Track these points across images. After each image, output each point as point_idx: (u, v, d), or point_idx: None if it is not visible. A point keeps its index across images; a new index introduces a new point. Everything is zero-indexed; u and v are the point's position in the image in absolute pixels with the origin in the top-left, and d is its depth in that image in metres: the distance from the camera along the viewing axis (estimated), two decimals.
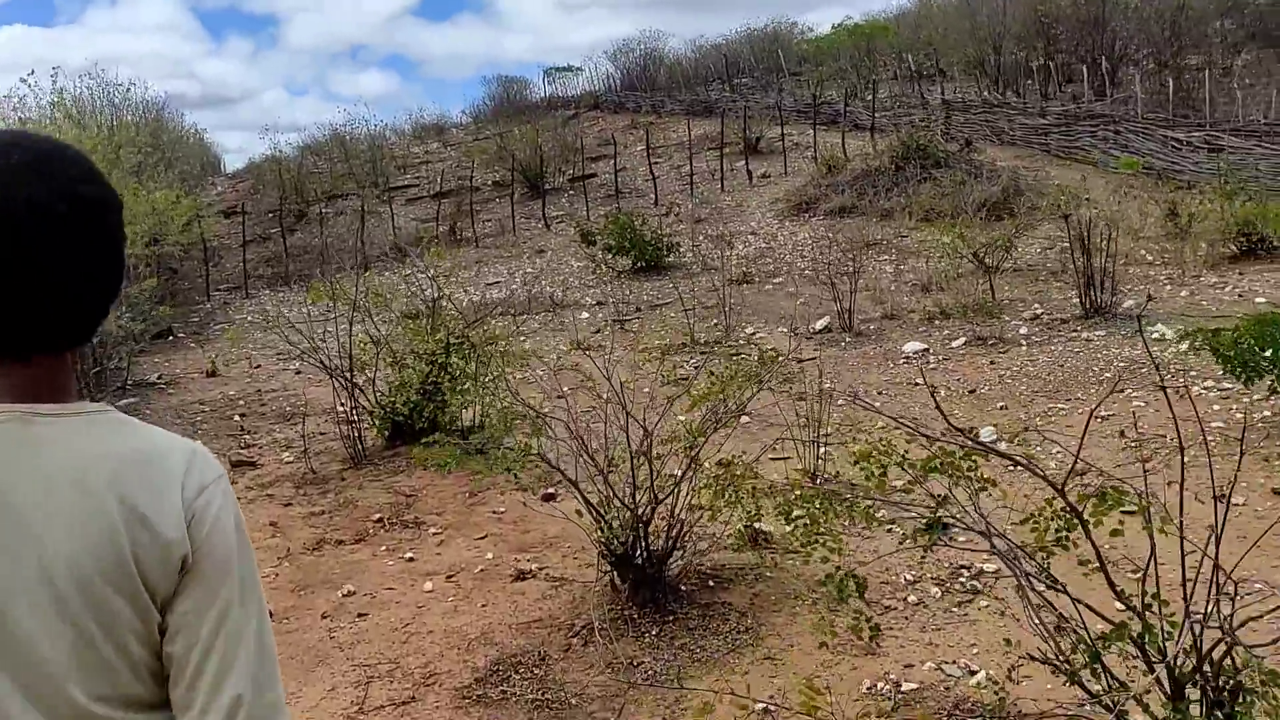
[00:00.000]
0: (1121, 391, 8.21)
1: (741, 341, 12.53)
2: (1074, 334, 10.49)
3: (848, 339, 11.72)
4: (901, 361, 10.43)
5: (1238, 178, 15.62)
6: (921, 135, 22.78)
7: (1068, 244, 16.29)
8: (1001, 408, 8.21)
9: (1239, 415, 7.28)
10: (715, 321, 13.57)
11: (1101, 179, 21.28)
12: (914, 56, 32.24)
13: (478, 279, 19.76)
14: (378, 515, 7.06)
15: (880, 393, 9.28)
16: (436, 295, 9.15)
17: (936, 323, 11.99)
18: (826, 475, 6.77)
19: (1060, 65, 28.11)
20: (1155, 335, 9.86)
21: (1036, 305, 12.24)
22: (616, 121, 36.91)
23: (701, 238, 21.22)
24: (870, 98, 27.82)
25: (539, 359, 8.54)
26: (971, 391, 8.88)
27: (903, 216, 20.07)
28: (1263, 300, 11.09)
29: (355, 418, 8.78)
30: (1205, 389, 7.93)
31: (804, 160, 26.86)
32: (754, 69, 39.99)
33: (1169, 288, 12.55)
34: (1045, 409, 8.04)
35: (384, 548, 6.43)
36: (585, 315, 15.95)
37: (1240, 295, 11.58)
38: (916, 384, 9.43)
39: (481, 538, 6.38)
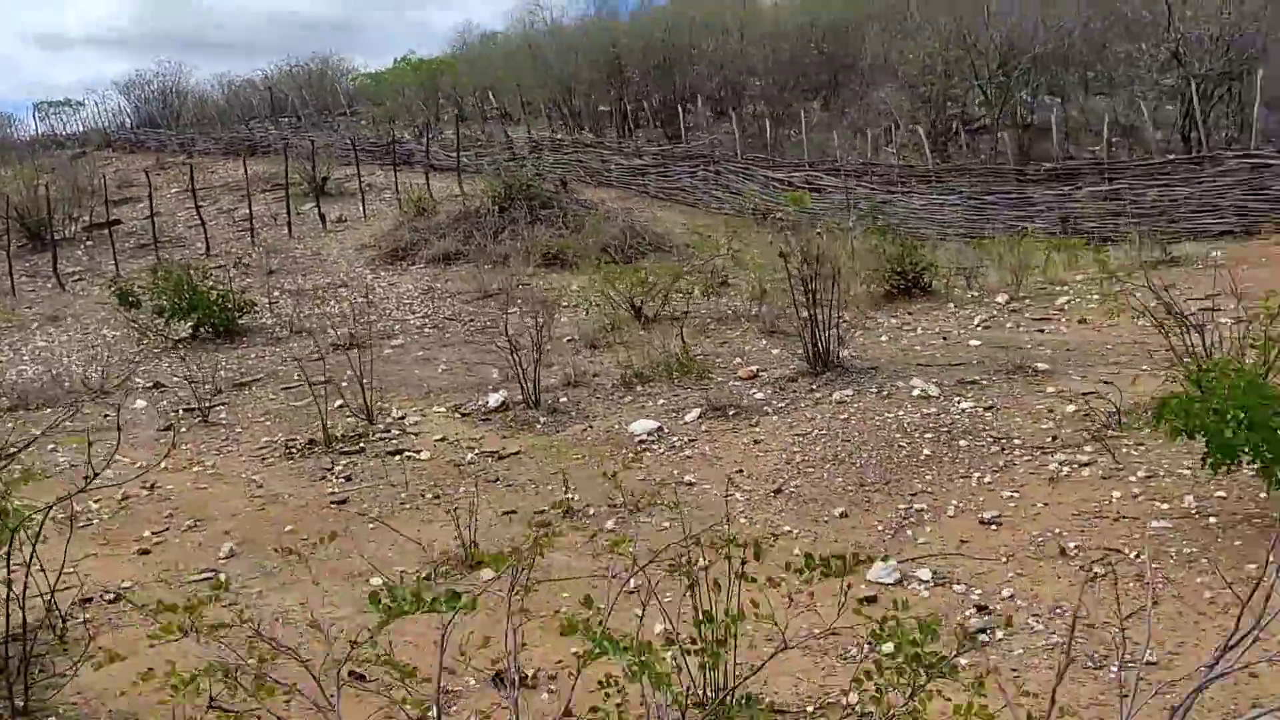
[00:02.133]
0: (966, 477, 6.40)
1: (395, 431, 9.34)
2: (817, 395, 8.69)
3: (543, 418, 9.02)
4: (639, 447, 7.94)
5: (878, 218, 15.28)
6: (522, 175, 20.87)
7: (709, 288, 15.15)
8: (842, 514, 6.00)
9: (1165, 506, 5.72)
10: (341, 403, 10.20)
11: (706, 219, 20.72)
12: (489, 94, 30.42)
13: None
14: None
15: (652, 502, 6.70)
16: None
17: (638, 389, 9.71)
18: None
19: (632, 110, 27.85)
20: (917, 393, 8.35)
21: (738, 360, 10.43)
22: (137, 161, 31.19)
23: (278, 293, 17.37)
24: (451, 136, 25.47)
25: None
26: (777, 492, 6.59)
27: (519, 261, 17.84)
28: (978, 342, 10.17)
29: None
30: (1071, 467, 6.34)
31: (383, 203, 23.86)
32: (303, 106, 35.96)
33: (857, 333, 11.39)
34: (907, 512, 5.95)
35: None
36: (141, 404, 11.68)
37: (945, 338, 10.61)
38: (689, 482, 6.98)
39: None
